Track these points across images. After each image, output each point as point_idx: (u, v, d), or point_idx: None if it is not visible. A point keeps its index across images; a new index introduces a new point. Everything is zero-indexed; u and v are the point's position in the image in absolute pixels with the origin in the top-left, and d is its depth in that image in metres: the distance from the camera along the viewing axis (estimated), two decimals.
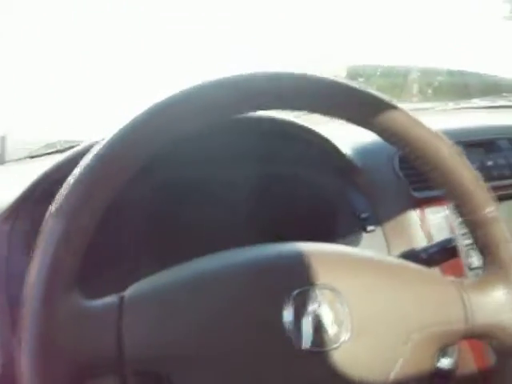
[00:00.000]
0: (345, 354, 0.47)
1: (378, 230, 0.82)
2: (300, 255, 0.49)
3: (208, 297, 0.46)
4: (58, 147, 0.93)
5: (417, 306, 0.50)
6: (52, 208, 0.42)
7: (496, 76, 1.82)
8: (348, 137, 0.85)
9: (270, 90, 0.48)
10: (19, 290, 0.41)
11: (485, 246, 0.54)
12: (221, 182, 0.80)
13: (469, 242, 0.68)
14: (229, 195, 0.80)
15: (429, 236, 0.80)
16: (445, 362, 0.53)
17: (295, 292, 0.47)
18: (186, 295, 0.46)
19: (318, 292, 0.47)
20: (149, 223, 0.78)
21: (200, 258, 0.49)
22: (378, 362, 0.48)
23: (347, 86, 0.50)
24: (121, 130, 0.44)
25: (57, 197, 0.42)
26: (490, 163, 0.89)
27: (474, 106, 1.34)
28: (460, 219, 0.55)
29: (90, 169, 0.42)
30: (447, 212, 0.83)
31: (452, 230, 0.73)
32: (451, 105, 1.33)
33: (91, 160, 0.42)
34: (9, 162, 0.95)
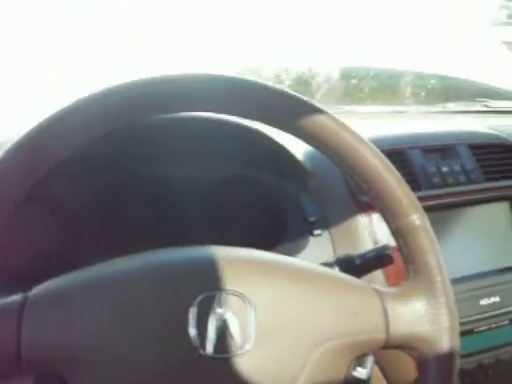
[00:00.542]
0: (249, 361, 0.46)
1: (325, 234, 0.81)
2: (210, 260, 0.49)
3: (106, 300, 0.46)
4: None
5: (333, 314, 0.50)
6: None
7: (482, 82, 1.81)
8: (300, 141, 0.84)
9: (196, 93, 0.48)
10: None
11: (408, 255, 0.53)
12: (169, 181, 0.80)
13: None
14: (178, 195, 0.80)
15: (375, 241, 0.80)
16: (361, 372, 0.52)
17: (201, 297, 0.46)
18: (85, 298, 0.46)
19: (224, 297, 0.47)
20: (99, 220, 0.78)
21: (108, 260, 0.49)
22: (283, 370, 0.48)
23: (272, 89, 0.50)
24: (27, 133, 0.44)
25: None
26: (445, 169, 0.89)
27: (447, 110, 1.34)
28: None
29: None
30: None
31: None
32: (425, 108, 1.32)
33: None
34: None
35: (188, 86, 0.48)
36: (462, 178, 0.89)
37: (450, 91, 1.96)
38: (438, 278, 0.53)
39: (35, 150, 0.44)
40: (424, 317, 0.52)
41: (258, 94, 0.50)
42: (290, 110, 0.51)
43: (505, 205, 0.93)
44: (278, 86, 0.51)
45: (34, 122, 0.44)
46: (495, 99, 1.53)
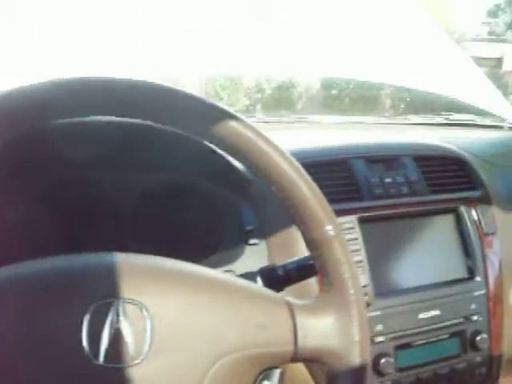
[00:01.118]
0: (143, 372, 0.45)
1: (262, 244, 0.80)
2: (109, 266, 0.47)
3: (3, 305, 0.44)
4: None
5: (238, 326, 0.48)
6: None
7: (451, 96, 1.82)
8: None
9: (103, 97, 0.47)
10: None
11: (322, 267, 0.52)
12: (110, 186, 0.79)
13: None
14: (118, 200, 0.79)
15: None
16: None
17: (96, 304, 0.45)
18: None
19: (121, 306, 0.45)
20: (31, 226, 0.76)
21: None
22: (180, 382, 0.46)
23: (185, 95, 0.49)
24: None
25: None
26: (388, 180, 0.88)
27: (408, 122, 1.34)
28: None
29: None
30: None
31: None
32: (384, 120, 1.32)
33: None
34: None
35: (94, 90, 0.47)
36: (405, 190, 0.88)
37: (418, 104, 1.98)
38: (351, 291, 0.52)
39: None
40: (334, 330, 0.51)
41: (171, 100, 0.49)
42: (203, 115, 0.50)
43: (449, 217, 0.92)
44: (190, 92, 0.50)
45: None
46: (461, 113, 1.54)
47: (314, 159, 0.87)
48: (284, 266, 0.64)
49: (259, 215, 0.81)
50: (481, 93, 1.61)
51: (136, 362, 0.45)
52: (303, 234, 0.52)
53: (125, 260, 0.49)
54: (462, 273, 0.90)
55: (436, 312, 0.86)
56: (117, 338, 0.45)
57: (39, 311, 0.45)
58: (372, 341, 0.81)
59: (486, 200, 0.96)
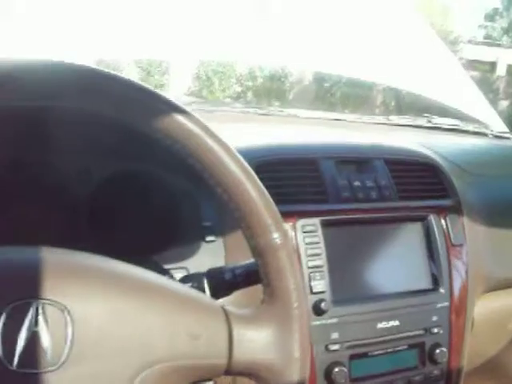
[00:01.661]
0: (60, 379, 0.42)
1: (219, 242, 0.77)
2: (31, 263, 0.44)
3: None
4: None
5: (167, 334, 0.45)
6: None
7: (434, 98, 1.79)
8: None
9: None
10: None
11: (266, 276, 0.49)
12: (66, 171, 0.75)
13: None
14: (74, 186, 0.75)
15: None
16: None
17: (12, 305, 0.41)
18: None
19: (40, 307, 0.42)
20: None
21: None
22: None
23: (125, 81, 0.46)
24: None
25: None
26: (357, 183, 0.85)
27: (389, 122, 1.30)
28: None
29: None
30: None
31: None
32: (365, 118, 1.29)
33: None
34: None
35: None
36: (374, 195, 0.85)
37: (403, 104, 1.95)
38: (295, 304, 0.49)
39: None
40: (273, 344, 0.48)
41: (114, 88, 0.45)
42: (145, 105, 0.46)
43: (417, 226, 0.89)
44: (136, 81, 0.47)
45: None
46: (446, 117, 1.52)
47: (281, 156, 0.83)
48: (232, 270, 0.61)
49: (218, 212, 0.78)
50: (467, 98, 1.58)
51: (53, 368, 0.41)
52: (248, 240, 0.49)
53: (51, 256, 0.45)
54: (426, 283, 0.88)
55: (395, 322, 0.83)
56: (34, 341, 0.41)
57: None
58: (326, 349, 0.78)
59: (456, 210, 0.93)
